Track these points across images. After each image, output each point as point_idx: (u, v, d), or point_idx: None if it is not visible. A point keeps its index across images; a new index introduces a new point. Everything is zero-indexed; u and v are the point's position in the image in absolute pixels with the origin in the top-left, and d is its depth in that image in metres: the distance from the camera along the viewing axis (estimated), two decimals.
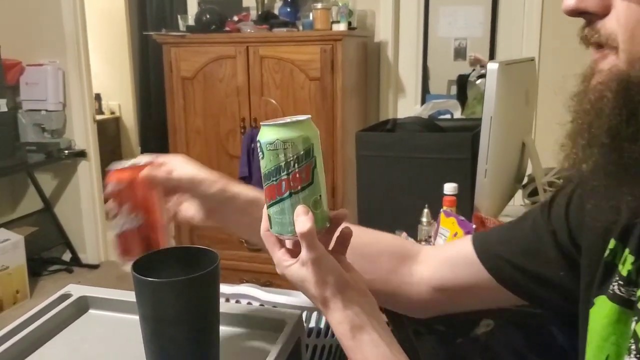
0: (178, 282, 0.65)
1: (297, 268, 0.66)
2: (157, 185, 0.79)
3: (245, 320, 0.92)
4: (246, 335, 0.90)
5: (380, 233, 0.91)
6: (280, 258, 0.68)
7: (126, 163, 0.81)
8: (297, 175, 0.63)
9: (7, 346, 0.79)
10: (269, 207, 0.66)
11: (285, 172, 0.63)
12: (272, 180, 0.64)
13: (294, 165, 0.63)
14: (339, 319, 0.66)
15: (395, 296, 0.88)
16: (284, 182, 0.64)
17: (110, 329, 0.89)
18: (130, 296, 0.96)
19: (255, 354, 0.84)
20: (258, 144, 0.64)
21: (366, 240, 0.88)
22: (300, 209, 0.64)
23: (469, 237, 0.88)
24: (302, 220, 0.63)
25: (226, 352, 0.75)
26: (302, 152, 0.63)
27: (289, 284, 0.71)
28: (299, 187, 0.64)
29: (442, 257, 0.89)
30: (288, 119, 0.64)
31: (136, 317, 0.91)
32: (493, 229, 0.93)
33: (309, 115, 0.65)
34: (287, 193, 0.64)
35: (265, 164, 0.64)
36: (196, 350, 0.67)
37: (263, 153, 0.64)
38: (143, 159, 0.83)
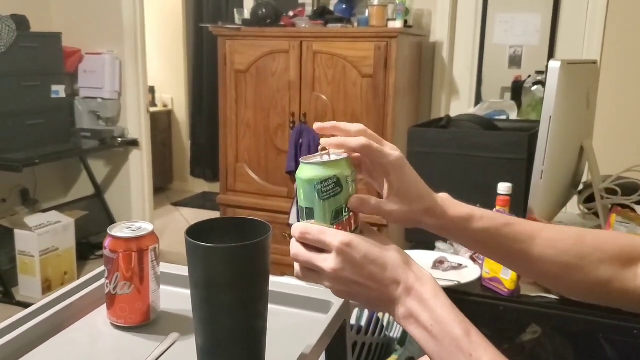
0: (229, 248, 0.64)
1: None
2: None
3: (292, 300, 0.91)
4: (292, 315, 0.89)
5: (598, 236, 0.77)
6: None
7: (125, 230, 0.82)
8: None
9: (51, 313, 0.81)
10: None
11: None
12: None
13: None
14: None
15: (609, 301, 0.79)
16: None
17: None
18: (171, 269, 0.96)
19: (301, 333, 0.83)
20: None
21: (584, 250, 0.75)
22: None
23: None
24: None
25: (273, 330, 0.74)
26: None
27: None
28: None
29: None
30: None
31: (177, 290, 0.92)
32: None
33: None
34: None
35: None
36: (244, 318, 0.67)
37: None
38: (144, 226, 0.83)
